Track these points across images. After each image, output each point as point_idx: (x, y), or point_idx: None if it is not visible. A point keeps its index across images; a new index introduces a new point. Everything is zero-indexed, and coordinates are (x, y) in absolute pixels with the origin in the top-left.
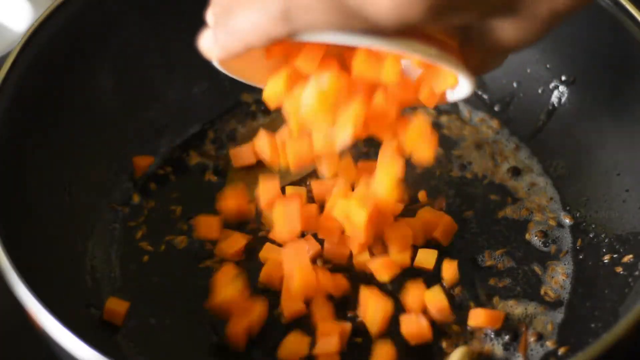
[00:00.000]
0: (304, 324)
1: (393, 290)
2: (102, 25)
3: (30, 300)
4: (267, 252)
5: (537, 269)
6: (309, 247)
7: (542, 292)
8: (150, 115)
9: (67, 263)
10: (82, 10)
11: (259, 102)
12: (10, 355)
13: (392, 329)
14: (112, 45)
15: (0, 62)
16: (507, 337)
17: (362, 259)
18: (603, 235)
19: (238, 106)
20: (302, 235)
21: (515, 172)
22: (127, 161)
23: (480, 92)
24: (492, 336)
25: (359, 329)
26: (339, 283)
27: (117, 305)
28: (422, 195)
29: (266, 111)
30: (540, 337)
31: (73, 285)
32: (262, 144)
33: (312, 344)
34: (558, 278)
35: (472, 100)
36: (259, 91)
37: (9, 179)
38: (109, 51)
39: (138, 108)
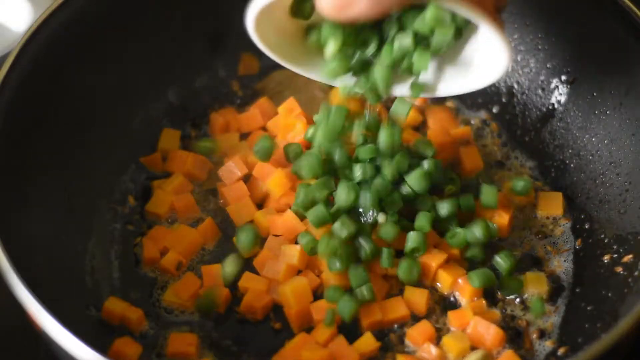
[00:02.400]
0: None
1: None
2: (102, 25)
3: (30, 300)
4: (246, 281)
5: (536, 269)
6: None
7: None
8: (150, 114)
9: (67, 263)
10: (82, 10)
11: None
12: (10, 355)
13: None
14: (112, 44)
15: (0, 62)
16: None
17: None
18: (603, 235)
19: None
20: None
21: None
22: (128, 161)
23: (480, 92)
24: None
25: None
26: None
27: (116, 306)
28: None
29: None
30: (542, 336)
31: (73, 285)
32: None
33: None
34: (558, 278)
35: (472, 101)
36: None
37: (9, 179)
38: (109, 51)
39: (139, 107)
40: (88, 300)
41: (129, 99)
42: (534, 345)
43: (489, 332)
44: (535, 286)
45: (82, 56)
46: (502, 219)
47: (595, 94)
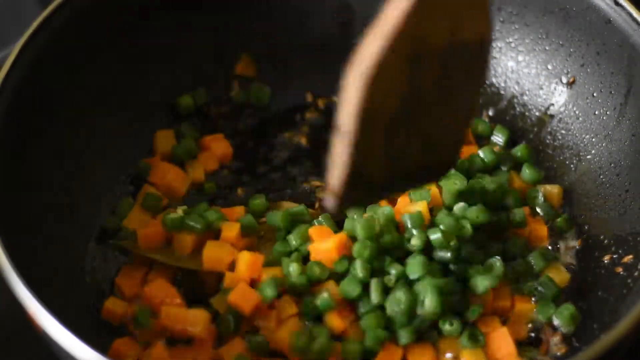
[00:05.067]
0: None
1: None
2: (103, 24)
3: (30, 300)
4: (230, 280)
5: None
6: None
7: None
8: (151, 114)
9: (67, 263)
10: (83, 9)
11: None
12: (10, 355)
13: None
14: (113, 45)
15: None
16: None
17: None
18: (603, 236)
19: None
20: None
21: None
22: (128, 161)
23: (479, 93)
24: None
25: None
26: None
27: (116, 306)
28: None
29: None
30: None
31: (73, 285)
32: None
33: None
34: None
35: None
36: None
37: (9, 179)
38: (110, 51)
39: (139, 107)
40: (88, 300)
41: (130, 98)
42: (550, 351)
43: None
44: (555, 276)
45: (83, 56)
46: (541, 231)
47: (595, 94)
